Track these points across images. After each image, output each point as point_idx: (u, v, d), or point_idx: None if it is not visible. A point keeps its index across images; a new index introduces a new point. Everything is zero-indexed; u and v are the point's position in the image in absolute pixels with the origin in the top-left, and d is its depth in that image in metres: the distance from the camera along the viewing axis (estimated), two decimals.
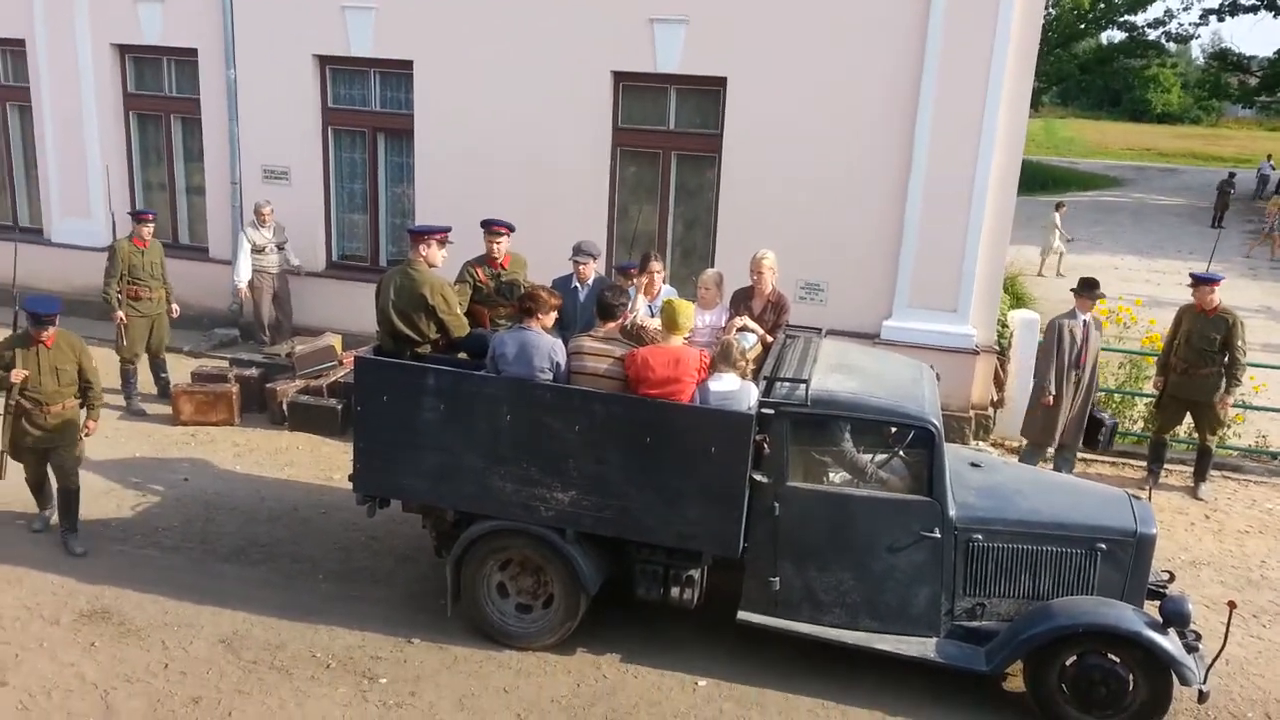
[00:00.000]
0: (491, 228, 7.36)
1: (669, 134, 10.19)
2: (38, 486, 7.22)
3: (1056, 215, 19.62)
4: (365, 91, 11.12)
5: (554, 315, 6.08)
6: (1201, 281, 8.80)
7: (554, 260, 7.68)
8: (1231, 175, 28.70)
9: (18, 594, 6.41)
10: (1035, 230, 22.45)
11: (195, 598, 6.43)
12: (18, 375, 6.72)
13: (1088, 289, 8.50)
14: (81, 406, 7.08)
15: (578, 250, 7.22)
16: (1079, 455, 8.93)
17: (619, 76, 10.11)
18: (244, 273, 10.66)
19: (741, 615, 5.82)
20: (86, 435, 7.14)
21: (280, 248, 10.86)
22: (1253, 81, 39.92)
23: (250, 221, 10.80)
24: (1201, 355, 8.72)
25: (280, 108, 11.18)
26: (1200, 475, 9.03)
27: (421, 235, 6.64)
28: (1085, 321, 8.44)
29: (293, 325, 11.08)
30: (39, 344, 6.76)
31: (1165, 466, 9.28)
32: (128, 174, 12.21)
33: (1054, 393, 8.37)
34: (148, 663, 5.78)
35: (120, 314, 9.45)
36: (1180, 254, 21.86)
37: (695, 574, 5.82)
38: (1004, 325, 10.19)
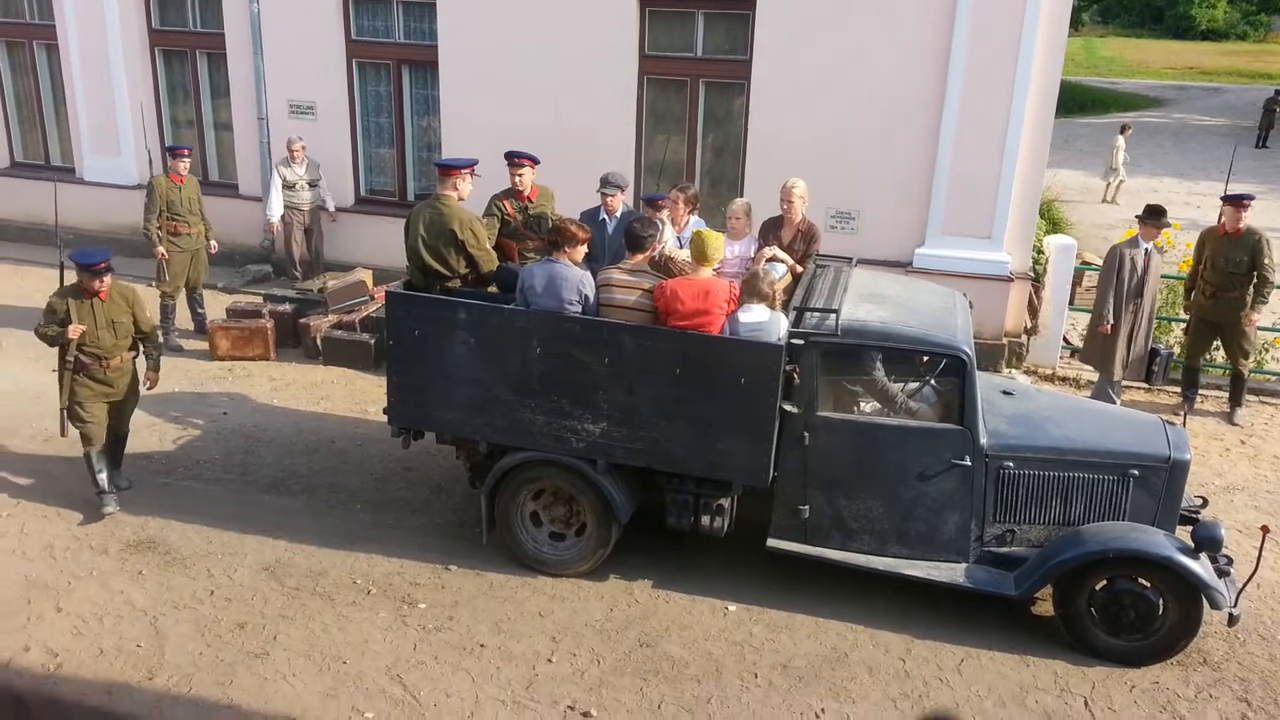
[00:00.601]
0: (513, 160, 7.31)
1: (697, 60, 10.01)
2: (99, 457, 6.72)
3: (1120, 139, 18.83)
4: (389, 23, 10.99)
5: (583, 249, 6.05)
6: (1233, 201, 8.58)
7: (581, 192, 7.63)
8: (1277, 93, 27.76)
9: (68, 526, 6.61)
10: (1073, 153, 21.98)
11: (237, 527, 6.61)
12: (76, 330, 6.42)
13: (1153, 217, 8.25)
14: (134, 358, 6.85)
15: (605, 182, 7.16)
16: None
17: (645, 2, 9.90)
18: (275, 209, 10.71)
19: (771, 543, 5.89)
20: (149, 388, 7.01)
21: (313, 185, 10.85)
22: None
23: (282, 158, 10.82)
24: (1230, 278, 8.58)
25: (304, 41, 11.09)
26: (1236, 400, 8.93)
27: (449, 169, 6.61)
28: (1147, 250, 8.25)
29: (324, 262, 11.14)
30: (93, 296, 6.50)
31: (1201, 392, 9.19)
32: (156, 111, 12.21)
33: (1111, 321, 8.24)
34: (194, 590, 5.97)
35: (161, 249, 9.54)
36: (1222, 176, 21.28)
37: (725, 503, 5.89)
38: (1039, 251, 10.03)
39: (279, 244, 11.20)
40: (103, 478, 6.73)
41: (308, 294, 10.43)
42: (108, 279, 6.50)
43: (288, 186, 10.70)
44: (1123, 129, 19.48)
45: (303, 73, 11.21)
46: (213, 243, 9.97)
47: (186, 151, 9.81)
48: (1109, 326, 8.29)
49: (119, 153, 12.30)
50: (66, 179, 12.59)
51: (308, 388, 9.01)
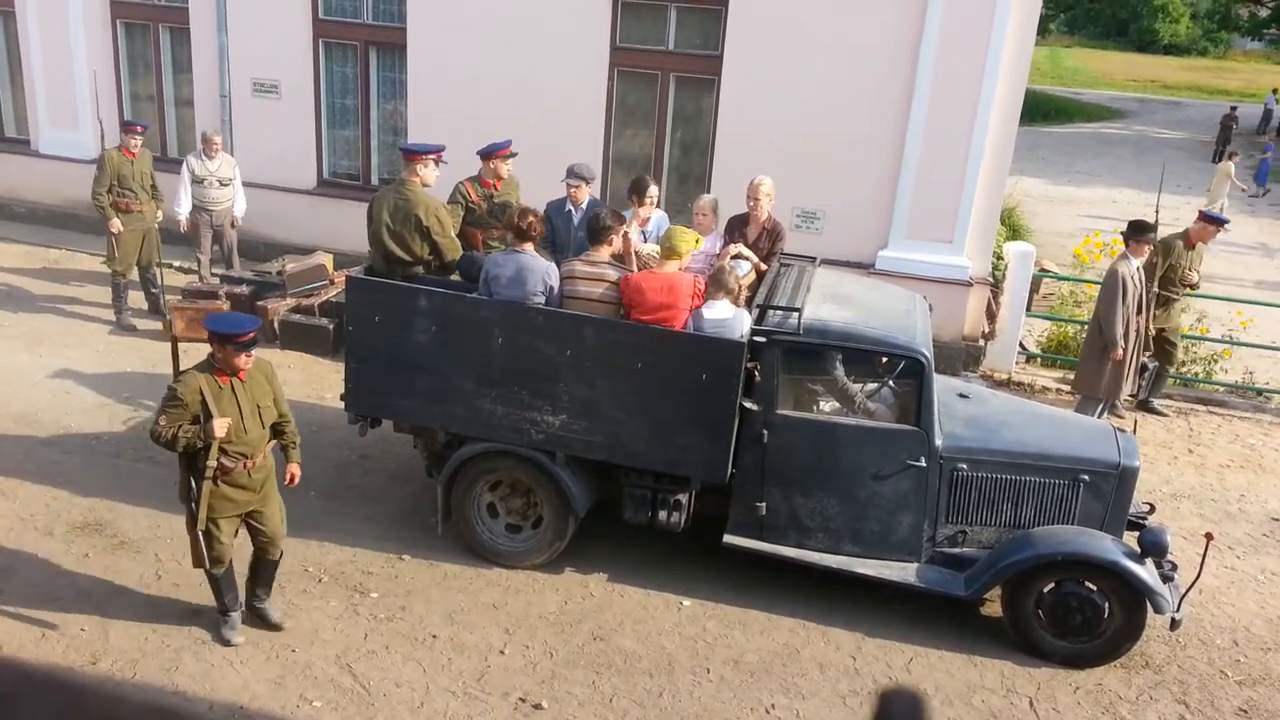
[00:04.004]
0: (499, 153, 7.27)
1: (668, 55, 9.99)
2: (227, 577, 5.29)
3: (1231, 164, 18.25)
4: (357, 3, 10.84)
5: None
6: (1216, 221, 9.03)
7: (548, 182, 7.60)
8: (1233, 109, 28.33)
9: (11, 505, 6.46)
10: (1035, 161, 22.22)
11: None
12: (222, 427, 4.84)
13: (1140, 232, 8.05)
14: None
15: (571, 172, 7.13)
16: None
17: None
18: (184, 205, 9.73)
19: (727, 539, 5.91)
20: (289, 483, 5.43)
21: (224, 184, 9.92)
22: (1263, 13, 39.21)
23: (195, 150, 10.08)
24: (1177, 287, 8.98)
25: (270, 18, 10.92)
26: (1157, 391, 9.29)
27: (415, 154, 6.55)
28: (1138, 266, 8.11)
29: (237, 261, 10.36)
30: (233, 375, 4.97)
31: (1163, 402, 9.37)
32: (115, 85, 11.96)
33: (1124, 346, 7.97)
34: (141, 574, 5.86)
35: (117, 221, 9.30)
36: (1180, 189, 21.69)
37: (683, 498, 5.89)
38: (999, 257, 10.16)
39: (192, 241, 10.28)
40: (230, 598, 5.33)
41: (266, 276, 10.26)
42: (254, 353, 5.02)
43: (197, 181, 9.74)
44: (1231, 155, 18.68)
45: (268, 50, 11.03)
46: (159, 213, 9.71)
47: (140, 129, 9.55)
48: (1121, 351, 8.00)
49: (77, 126, 12.03)
50: (21, 151, 12.31)
51: None
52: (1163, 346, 9.08)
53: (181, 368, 5.19)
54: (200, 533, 5.03)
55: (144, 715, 0.79)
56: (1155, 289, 8.86)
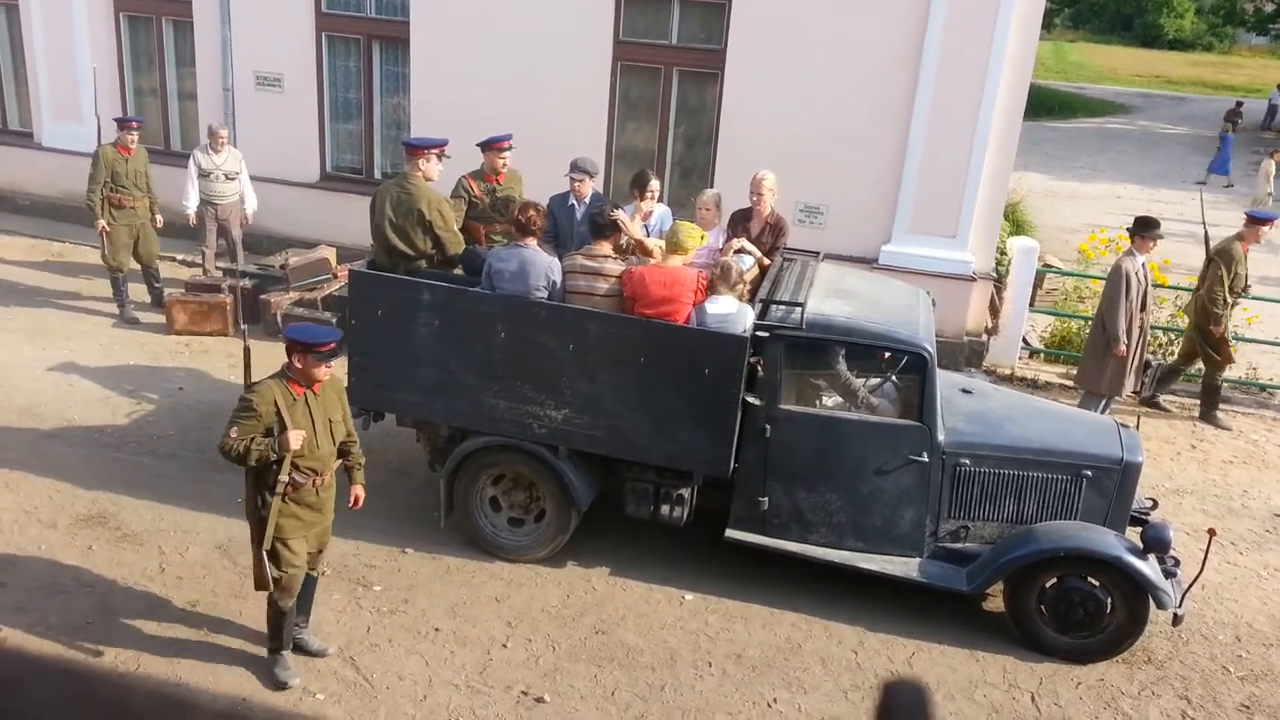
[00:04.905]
0: (495, 145, 7.26)
1: (671, 49, 9.97)
2: (290, 612, 5.02)
3: (1272, 163, 18.07)
4: None
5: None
6: (1264, 220, 8.92)
7: (551, 176, 7.59)
8: (1238, 105, 28.21)
9: (15, 498, 6.48)
10: (1039, 156, 22.15)
11: (191, 504, 6.51)
12: (297, 439, 4.65)
13: (1146, 228, 7.96)
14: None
15: (574, 167, 7.12)
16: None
17: None
18: (192, 200, 9.76)
19: (730, 533, 5.92)
20: (354, 506, 5.28)
21: (231, 177, 9.90)
22: (1269, 8, 39.06)
23: (202, 145, 10.05)
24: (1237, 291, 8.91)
25: (273, 11, 10.90)
26: (1216, 404, 9.15)
27: (418, 149, 6.55)
28: (1143, 262, 8.00)
29: (242, 254, 10.28)
30: (309, 387, 4.80)
31: (1167, 398, 9.35)
32: (119, 78, 11.96)
33: (1127, 342, 7.90)
34: (145, 566, 5.88)
35: (102, 222, 9.30)
36: (1184, 185, 21.65)
37: (685, 493, 5.90)
38: (1002, 252, 10.14)
39: (197, 235, 10.30)
40: (288, 635, 5.05)
41: (269, 269, 10.26)
42: (332, 366, 4.82)
43: (203, 175, 9.74)
44: (1272, 154, 18.51)
45: (271, 44, 11.02)
46: (158, 217, 9.71)
47: (136, 124, 9.52)
48: (1124, 347, 7.92)
49: (80, 119, 12.01)
50: (24, 144, 12.31)
51: (267, 366, 8.80)
52: (1209, 353, 8.98)
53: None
54: (265, 553, 4.78)
55: (152, 704, 0.79)
56: (1228, 296, 8.78)
